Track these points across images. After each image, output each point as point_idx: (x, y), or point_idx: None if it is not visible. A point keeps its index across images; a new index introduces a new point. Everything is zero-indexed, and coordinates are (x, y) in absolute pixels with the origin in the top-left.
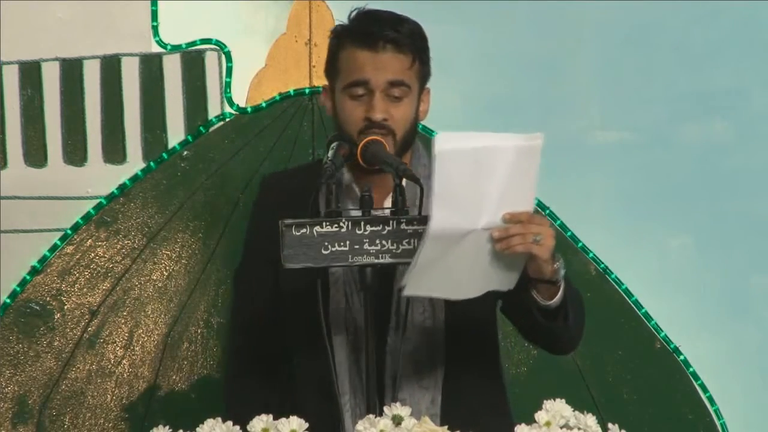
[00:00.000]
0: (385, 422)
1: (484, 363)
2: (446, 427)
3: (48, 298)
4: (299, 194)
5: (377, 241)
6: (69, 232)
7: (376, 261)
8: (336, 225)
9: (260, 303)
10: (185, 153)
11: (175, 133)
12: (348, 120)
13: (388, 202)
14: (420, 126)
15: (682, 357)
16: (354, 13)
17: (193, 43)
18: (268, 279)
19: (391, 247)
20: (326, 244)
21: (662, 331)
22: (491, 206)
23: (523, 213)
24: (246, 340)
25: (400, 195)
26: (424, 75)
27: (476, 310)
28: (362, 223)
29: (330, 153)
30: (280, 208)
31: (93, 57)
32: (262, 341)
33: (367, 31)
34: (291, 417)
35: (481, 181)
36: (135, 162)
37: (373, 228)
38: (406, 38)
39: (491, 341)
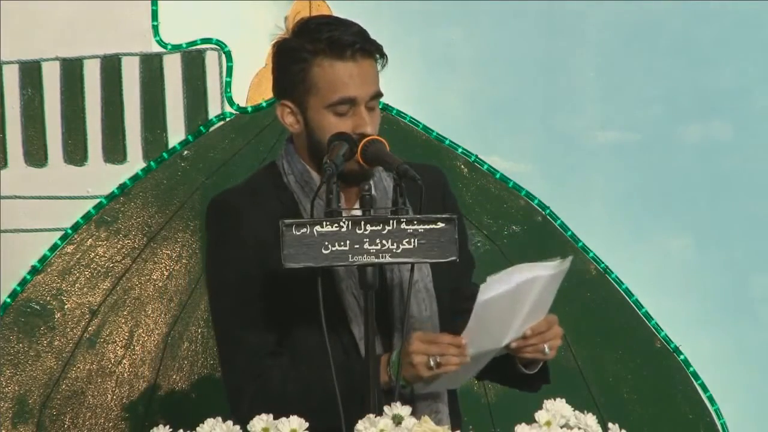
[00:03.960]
0: (385, 422)
1: None
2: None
3: (48, 298)
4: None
5: (377, 241)
6: (69, 231)
7: (377, 260)
8: (336, 224)
9: (267, 302)
10: (185, 152)
11: (176, 132)
12: None
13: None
14: (420, 126)
15: (682, 356)
16: (302, 24)
17: (194, 43)
18: (269, 287)
19: (391, 247)
20: (326, 243)
21: (662, 330)
22: (517, 325)
23: (542, 323)
24: (260, 337)
25: (400, 195)
26: None
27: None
28: (362, 223)
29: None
30: (259, 222)
31: (93, 56)
32: (271, 339)
33: (342, 41)
34: (291, 417)
35: (514, 308)
36: (135, 161)
37: (374, 227)
38: (372, 43)
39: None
